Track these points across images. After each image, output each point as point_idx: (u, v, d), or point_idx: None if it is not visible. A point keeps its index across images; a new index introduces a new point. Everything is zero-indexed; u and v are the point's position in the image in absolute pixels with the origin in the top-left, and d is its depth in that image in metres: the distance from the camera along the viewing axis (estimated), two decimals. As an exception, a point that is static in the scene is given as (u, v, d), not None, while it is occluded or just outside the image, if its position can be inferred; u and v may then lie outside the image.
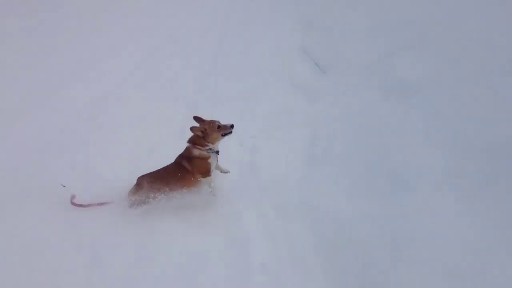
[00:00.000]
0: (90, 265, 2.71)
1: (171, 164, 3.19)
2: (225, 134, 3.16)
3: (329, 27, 6.62)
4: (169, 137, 3.94)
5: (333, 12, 7.11)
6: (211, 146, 3.15)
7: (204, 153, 3.13)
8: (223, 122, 3.19)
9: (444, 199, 2.75)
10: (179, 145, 3.21)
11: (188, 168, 3.14)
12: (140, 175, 3.18)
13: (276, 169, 3.77)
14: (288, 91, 5.24)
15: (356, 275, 2.60)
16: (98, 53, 6.76)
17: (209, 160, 3.16)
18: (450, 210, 2.66)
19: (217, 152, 3.21)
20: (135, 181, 3.18)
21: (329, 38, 6.27)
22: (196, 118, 3.18)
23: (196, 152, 3.12)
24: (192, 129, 3.09)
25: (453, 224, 2.56)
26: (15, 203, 3.12)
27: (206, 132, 3.10)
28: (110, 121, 4.61)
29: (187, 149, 3.16)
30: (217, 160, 3.26)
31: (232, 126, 3.16)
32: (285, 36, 7.39)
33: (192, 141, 3.15)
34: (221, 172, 3.38)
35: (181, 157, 3.17)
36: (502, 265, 2.24)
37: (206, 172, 3.17)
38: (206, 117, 3.23)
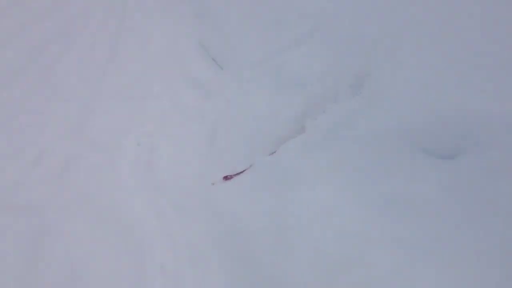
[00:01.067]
0: None
1: None
2: None
3: (226, 20, 6.63)
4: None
5: (231, 5, 7.12)
6: None
7: None
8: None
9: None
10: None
11: None
12: None
13: (174, 168, 3.76)
14: (185, 87, 5.21)
15: (250, 266, 2.68)
16: None
17: None
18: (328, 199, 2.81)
19: None
20: None
21: (225, 32, 6.29)
22: None
23: None
24: None
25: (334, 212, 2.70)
26: None
27: None
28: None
29: None
30: None
31: None
32: (183, 30, 7.30)
33: None
34: None
35: None
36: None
37: None
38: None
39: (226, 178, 3.44)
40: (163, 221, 3.16)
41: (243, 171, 3.47)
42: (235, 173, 3.48)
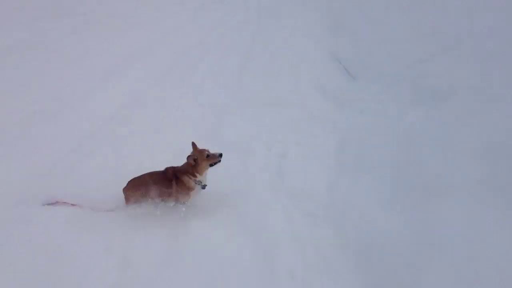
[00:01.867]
0: (119, 267, 2.72)
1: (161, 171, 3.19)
2: (213, 164, 3.12)
3: (360, 32, 6.56)
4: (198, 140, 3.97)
5: (364, 17, 7.03)
6: (200, 178, 3.11)
7: (192, 183, 3.11)
8: (214, 150, 3.16)
9: (478, 205, 2.70)
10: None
11: (174, 186, 3.11)
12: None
13: (303, 175, 3.75)
14: (317, 97, 5.21)
15: (384, 279, 2.58)
16: (129, 57, 6.84)
17: (192, 192, 3.13)
18: (485, 217, 2.61)
19: (204, 187, 3.16)
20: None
21: (360, 43, 6.22)
22: (193, 144, 3.14)
23: (186, 179, 3.10)
24: (188, 157, 3.06)
25: (488, 231, 2.52)
26: (43, 206, 3.16)
27: (197, 161, 3.06)
28: (139, 124, 4.63)
29: (180, 173, 3.12)
30: (200, 193, 3.21)
31: (220, 155, 3.11)
32: (315, 41, 7.35)
33: (185, 169, 3.11)
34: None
35: (173, 171, 3.14)
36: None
37: (184, 199, 3.14)
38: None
39: None
40: (292, 226, 3.15)
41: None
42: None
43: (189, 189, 3.11)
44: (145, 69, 6.24)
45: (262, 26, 8.46)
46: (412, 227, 2.79)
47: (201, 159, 3.06)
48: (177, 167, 3.15)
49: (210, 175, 3.20)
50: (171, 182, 3.10)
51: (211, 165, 3.12)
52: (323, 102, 5.09)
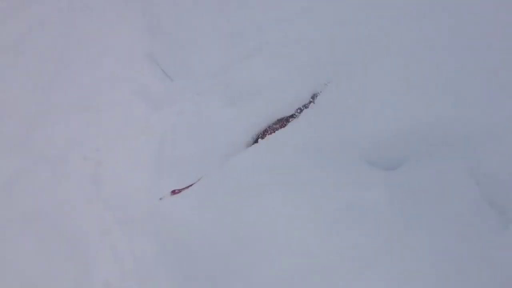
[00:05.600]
0: None
1: None
2: None
3: (177, 34, 6.59)
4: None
5: (180, 20, 7.09)
6: None
7: None
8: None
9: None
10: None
11: None
12: None
13: (121, 181, 3.69)
14: (134, 99, 5.13)
15: (201, 284, 2.65)
16: None
17: None
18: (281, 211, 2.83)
19: None
20: None
21: (177, 46, 6.25)
22: None
23: None
24: None
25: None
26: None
27: None
28: None
29: None
30: None
31: None
32: (134, 42, 7.19)
33: None
34: None
35: None
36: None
37: None
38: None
39: (174, 192, 3.40)
40: (109, 236, 3.09)
41: (192, 184, 3.43)
42: (184, 187, 3.44)
43: None
44: None
45: (78, 27, 8.05)
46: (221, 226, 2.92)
47: None
48: None
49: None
50: None
51: None
52: (140, 105, 5.03)
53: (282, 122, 3.71)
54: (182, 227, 3.07)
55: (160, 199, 3.40)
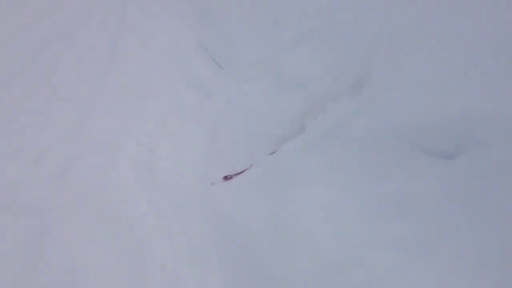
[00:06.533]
0: None
1: None
2: None
3: (227, 21, 6.63)
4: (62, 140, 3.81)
5: (230, 6, 7.11)
6: None
7: None
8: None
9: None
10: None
11: None
12: None
13: (174, 168, 3.76)
14: (185, 87, 5.20)
15: (250, 266, 2.69)
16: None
17: None
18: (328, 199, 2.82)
19: None
20: None
21: (227, 33, 6.29)
22: None
23: None
24: None
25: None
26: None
27: None
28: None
29: None
30: None
31: None
32: (183, 30, 7.26)
33: None
34: None
35: None
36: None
37: None
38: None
39: (226, 178, 3.44)
40: (162, 221, 3.16)
41: (243, 171, 3.47)
42: (235, 173, 3.48)
43: None
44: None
45: (128, 16, 8.17)
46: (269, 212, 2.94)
47: None
48: None
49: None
50: None
51: None
52: (191, 93, 5.09)
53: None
54: (232, 214, 3.12)
55: (213, 184, 3.45)
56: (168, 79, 5.50)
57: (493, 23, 3.23)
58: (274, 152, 3.57)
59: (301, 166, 3.21)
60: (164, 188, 3.51)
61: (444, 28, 3.46)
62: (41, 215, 3.22)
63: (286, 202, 2.95)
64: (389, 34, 3.78)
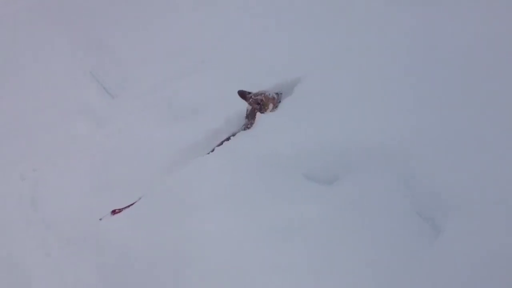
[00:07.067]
0: None
1: None
2: None
3: (119, 51, 6.55)
4: None
5: (124, 36, 7.03)
6: None
7: None
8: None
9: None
10: None
11: None
12: None
13: (61, 201, 3.64)
14: (74, 117, 5.07)
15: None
16: None
17: None
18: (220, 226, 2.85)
19: None
20: None
21: (119, 62, 6.21)
22: None
23: None
24: None
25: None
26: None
27: None
28: None
29: None
30: None
31: None
32: (77, 58, 7.07)
33: None
34: None
35: None
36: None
37: None
38: None
39: (114, 212, 3.36)
40: (51, 258, 3.07)
41: (133, 203, 3.40)
42: (124, 206, 3.40)
43: None
44: None
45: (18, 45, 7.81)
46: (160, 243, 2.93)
47: None
48: None
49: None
50: None
51: None
52: (82, 122, 5.00)
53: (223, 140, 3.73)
54: (122, 247, 3.06)
55: (100, 219, 3.35)
56: (60, 109, 5.32)
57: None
58: (167, 180, 3.53)
59: (193, 194, 3.22)
60: (52, 223, 3.42)
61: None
62: None
63: (178, 231, 2.96)
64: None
